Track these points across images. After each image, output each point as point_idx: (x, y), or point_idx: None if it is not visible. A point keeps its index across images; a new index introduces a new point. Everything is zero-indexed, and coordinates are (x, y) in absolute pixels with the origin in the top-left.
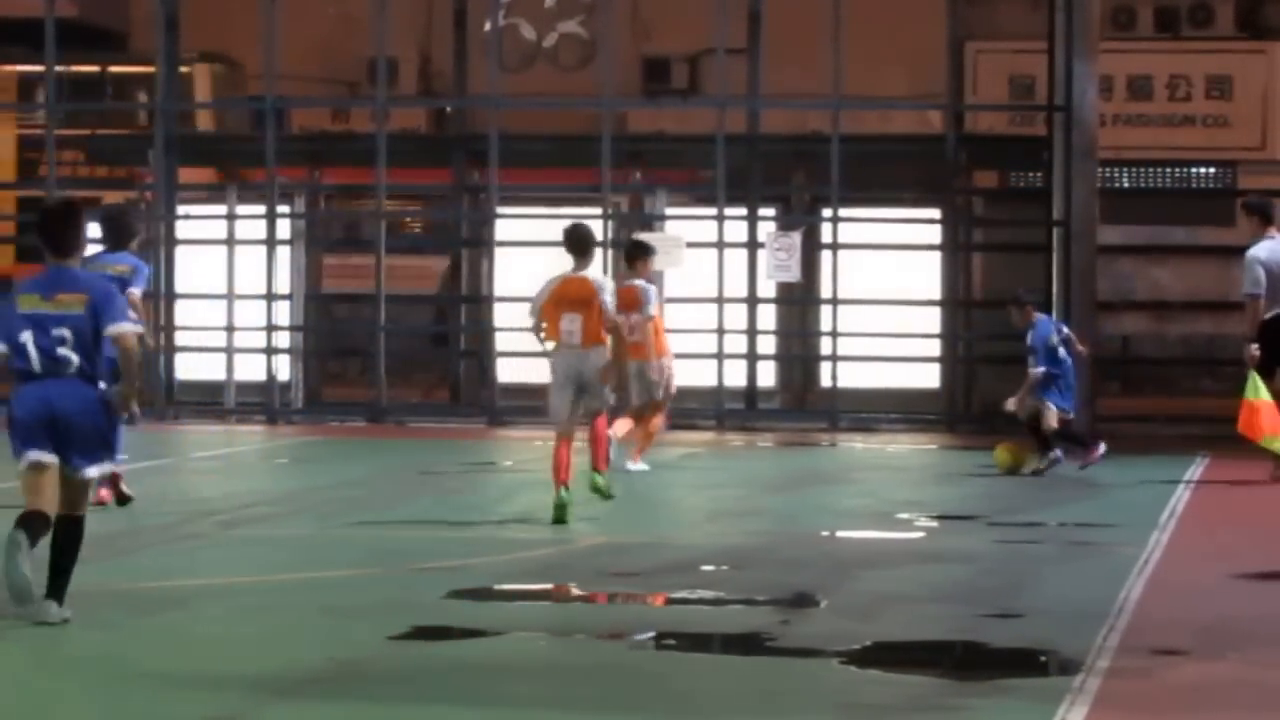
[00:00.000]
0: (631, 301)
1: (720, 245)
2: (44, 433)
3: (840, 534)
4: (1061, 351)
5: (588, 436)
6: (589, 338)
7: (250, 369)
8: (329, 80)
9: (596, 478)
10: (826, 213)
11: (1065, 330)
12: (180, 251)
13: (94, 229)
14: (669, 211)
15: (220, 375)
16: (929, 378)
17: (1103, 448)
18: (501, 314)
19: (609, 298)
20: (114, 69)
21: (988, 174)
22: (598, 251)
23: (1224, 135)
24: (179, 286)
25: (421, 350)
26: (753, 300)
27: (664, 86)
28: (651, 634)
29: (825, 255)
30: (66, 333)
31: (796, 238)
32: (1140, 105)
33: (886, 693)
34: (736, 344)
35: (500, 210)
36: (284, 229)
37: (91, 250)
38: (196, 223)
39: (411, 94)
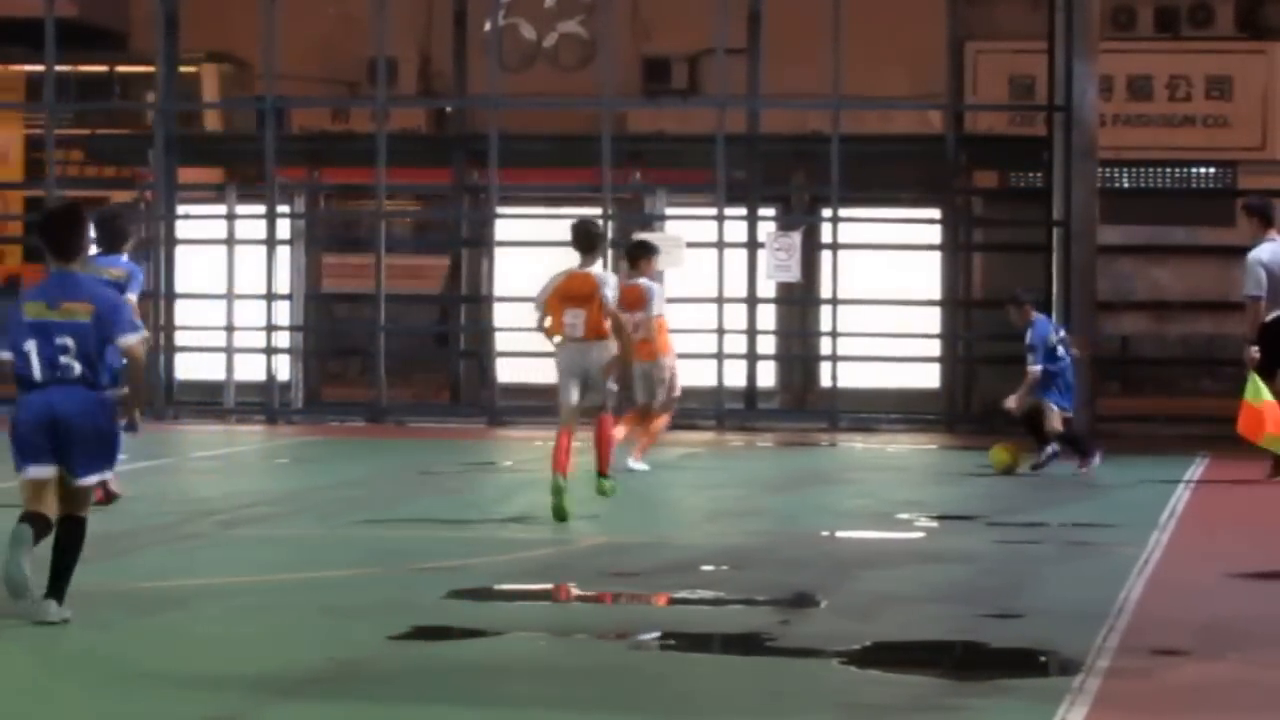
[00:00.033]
0: (635, 300)
1: (720, 245)
2: (45, 441)
3: (840, 534)
4: (1060, 350)
5: (592, 437)
6: (591, 331)
7: (250, 369)
8: (329, 80)
9: (602, 481)
10: (826, 213)
11: (1062, 332)
12: (180, 251)
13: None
14: (669, 211)
15: (220, 375)
16: (929, 378)
17: (1098, 460)
18: (501, 314)
19: (610, 292)
20: (121, 69)
21: (988, 174)
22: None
23: (1224, 135)
24: (179, 286)
25: (422, 350)
26: (753, 300)
27: (664, 86)
28: (651, 634)
29: (825, 255)
30: (70, 341)
31: (796, 238)
32: (1140, 105)
33: (886, 693)
34: (736, 344)
35: (500, 210)
36: (284, 229)
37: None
38: (196, 222)
39: (411, 94)
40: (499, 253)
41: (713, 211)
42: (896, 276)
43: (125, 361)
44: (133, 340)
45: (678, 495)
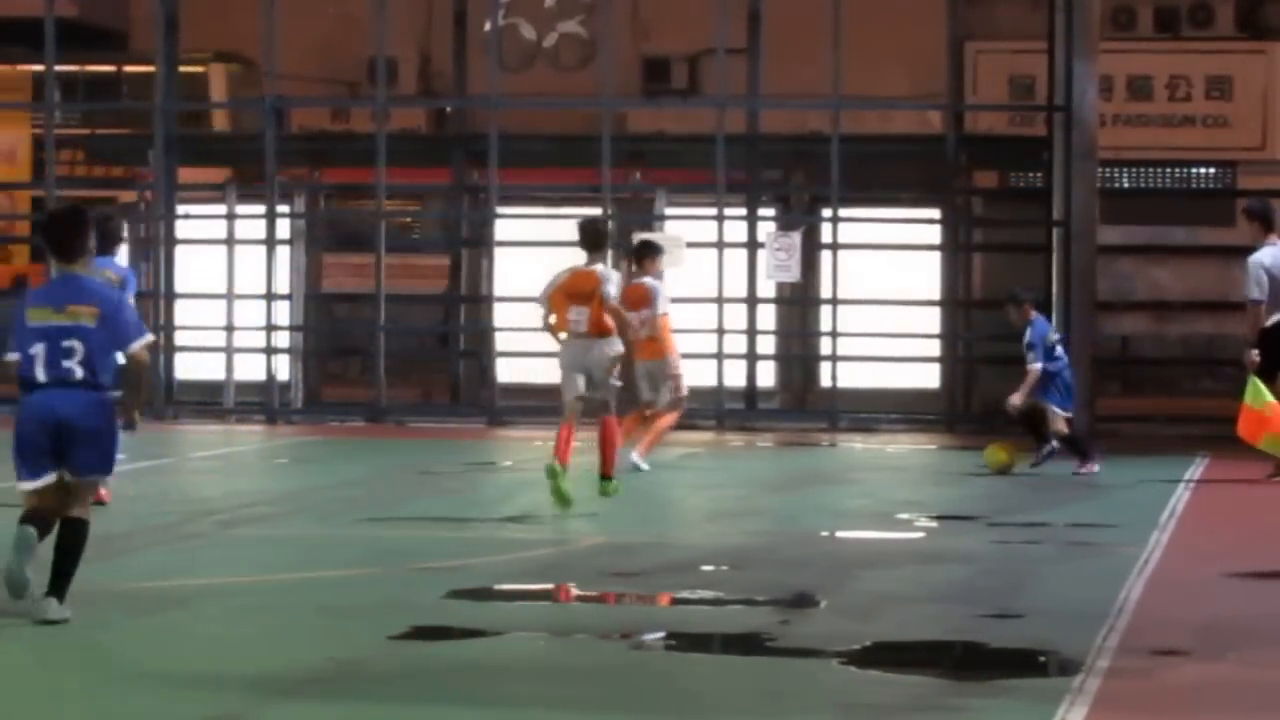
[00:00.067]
0: (640, 299)
1: (720, 245)
2: (46, 444)
3: (840, 534)
4: (1059, 350)
5: (595, 437)
6: (594, 328)
7: (250, 369)
8: (329, 80)
9: (605, 483)
10: (826, 213)
11: (1058, 335)
12: (180, 251)
13: None
14: (669, 211)
15: (220, 375)
16: (929, 378)
17: (1098, 466)
18: (501, 314)
19: (611, 288)
20: (129, 69)
21: (988, 174)
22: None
23: (1224, 135)
24: (179, 286)
25: (423, 350)
26: (752, 300)
27: (664, 86)
28: (652, 634)
29: (825, 255)
30: (75, 344)
31: (796, 238)
32: (1140, 105)
33: (886, 693)
34: (736, 344)
35: (500, 210)
36: (284, 229)
37: None
38: (196, 222)
39: (411, 94)
40: (499, 253)
41: (713, 211)
42: (896, 276)
43: (123, 361)
44: (140, 346)
45: (678, 495)
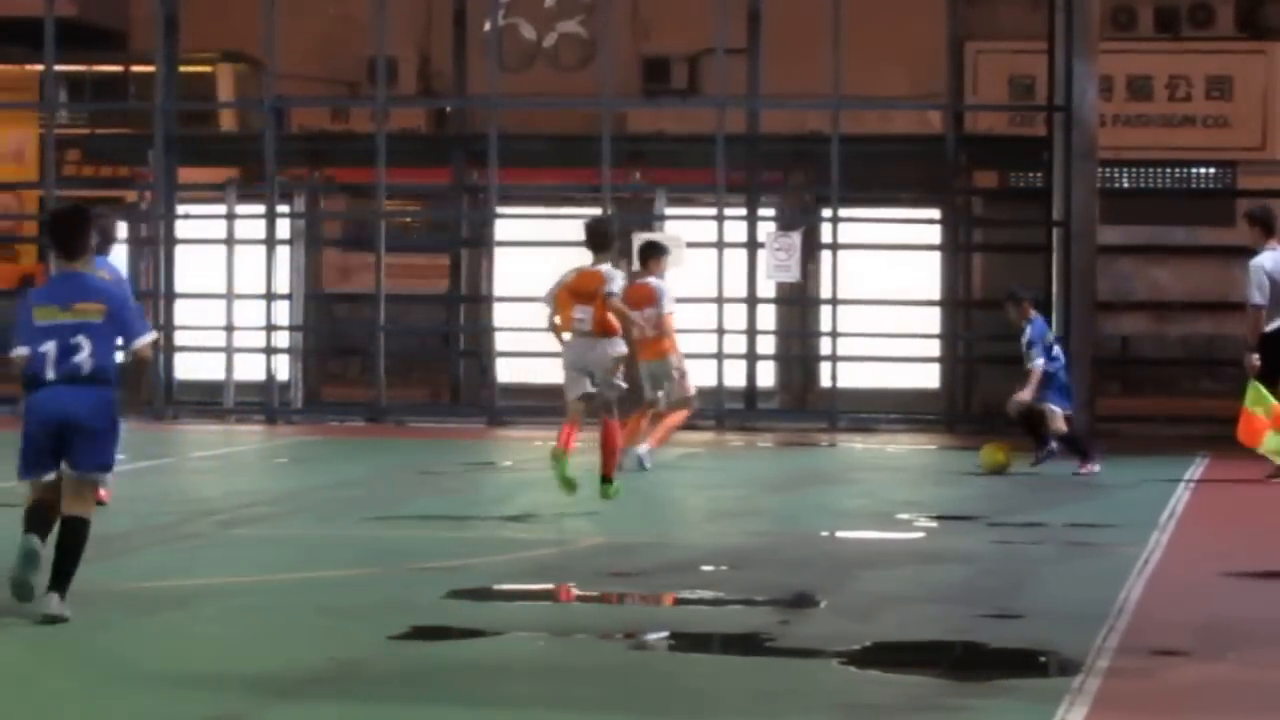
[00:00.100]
0: (644, 299)
1: (720, 245)
2: (51, 445)
3: (840, 534)
4: (1057, 349)
5: (598, 439)
6: (598, 327)
7: (250, 369)
8: (329, 80)
9: (606, 486)
10: (826, 213)
11: (1055, 335)
12: (180, 251)
13: None
14: (669, 211)
15: (219, 375)
16: (929, 378)
17: (1098, 466)
18: (501, 314)
19: (614, 288)
20: (136, 69)
21: (988, 174)
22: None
23: (1224, 135)
24: (179, 286)
25: (424, 349)
26: (752, 300)
27: (664, 86)
28: (651, 634)
29: (825, 255)
30: (84, 341)
31: (796, 238)
32: (1140, 105)
33: (886, 693)
34: (736, 344)
35: (500, 210)
36: (284, 229)
37: None
38: (196, 222)
39: (411, 94)
40: (499, 253)
41: (713, 211)
42: (896, 276)
43: (122, 358)
44: (145, 342)
45: (678, 495)
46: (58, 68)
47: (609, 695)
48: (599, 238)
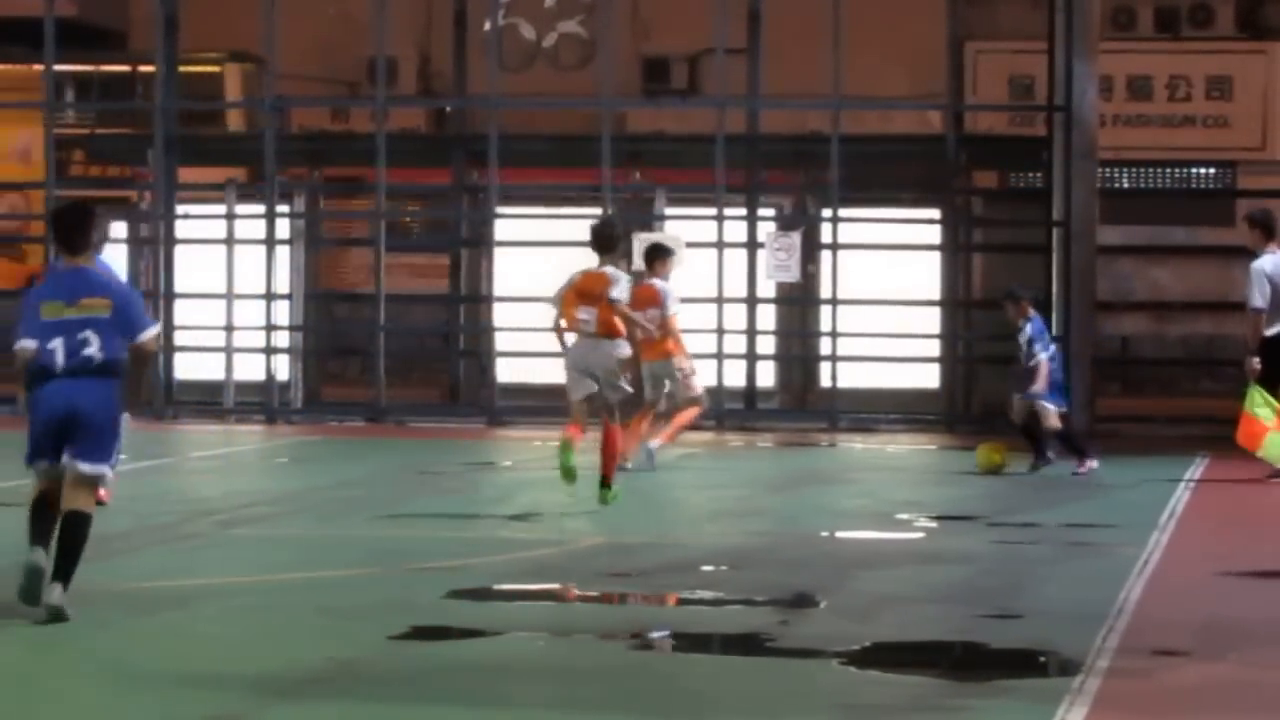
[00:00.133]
0: (649, 300)
1: (720, 245)
2: (54, 439)
3: (840, 534)
4: (1053, 347)
5: (599, 441)
6: (602, 328)
7: (249, 369)
8: (329, 80)
9: (605, 491)
10: (826, 213)
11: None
12: (180, 251)
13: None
14: (669, 211)
15: (219, 375)
16: (928, 378)
17: (1095, 464)
18: (501, 314)
19: (619, 290)
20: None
21: (988, 174)
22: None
23: (1224, 135)
24: (179, 286)
25: (424, 349)
26: (752, 300)
27: (664, 86)
28: (651, 634)
29: (825, 255)
30: (91, 334)
31: (796, 238)
32: (1140, 105)
33: (886, 693)
34: (736, 344)
35: (500, 210)
36: (284, 228)
37: None
38: (196, 222)
39: (411, 94)
40: (498, 253)
41: (712, 211)
42: (896, 276)
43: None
44: (150, 336)
45: (678, 495)
46: (64, 68)
47: (609, 695)
48: (605, 240)
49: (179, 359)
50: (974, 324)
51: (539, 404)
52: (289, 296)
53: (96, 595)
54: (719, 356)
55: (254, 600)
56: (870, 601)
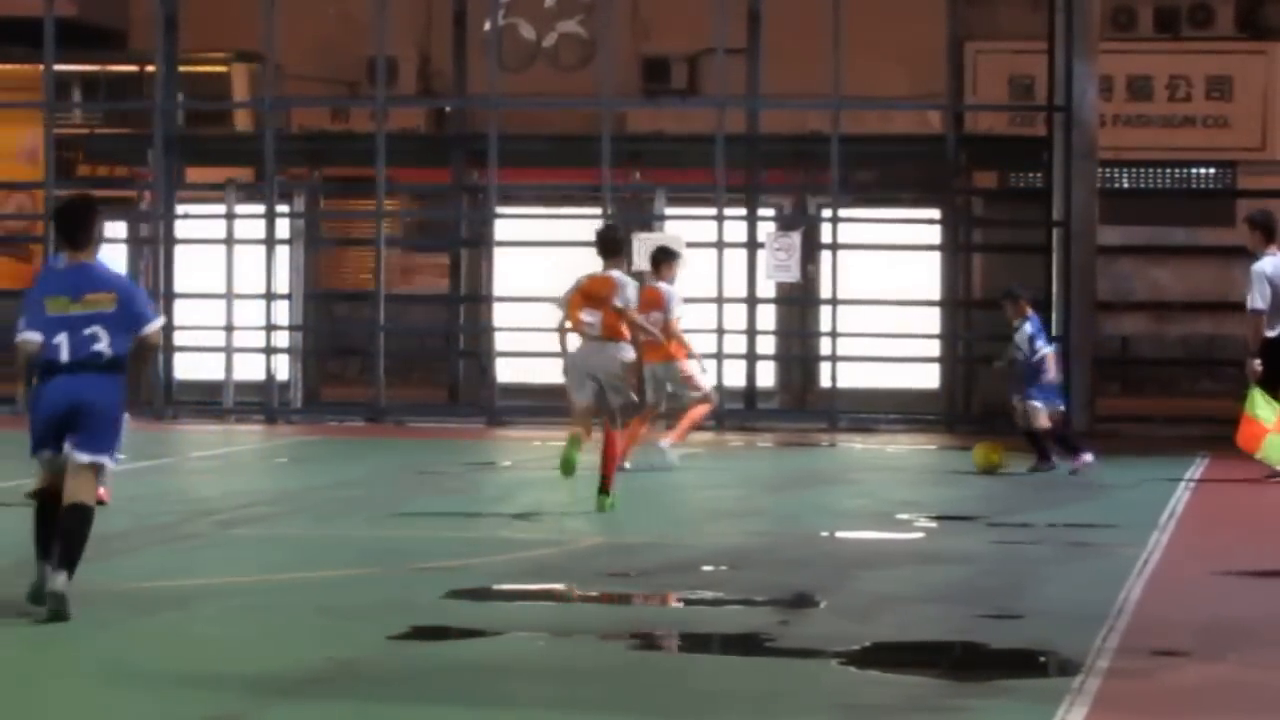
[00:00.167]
0: (653, 303)
1: (720, 245)
2: (57, 429)
3: (840, 534)
4: (1054, 346)
5: (599, 445)
6: (607, 331)
7: (249, 369)
8: (329, 80)
9: (603, 498)
10: (826, 213)
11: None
12: (180, 251)
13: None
14: (669, 211)
15: (219, 375)
16: (928, 378)
17: (1090, 458)
18: (501, 314)
19: (623, 300)
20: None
21: (987, 174)
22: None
23: (1224, 135)
24: (178, 286)
25: (424, 349)
26: (752, 300)
27: (664, 86)
28: (651, 634)
29: (825, 255)
30: (98, 329)
31: (796, 238)
32: (1140, 105)
33: (886, 693)
34: (736, 344)
35: (500, 210)
36: (283, 228)
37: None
38: (196, 222)
39: (411, 94)
40: (498, 252)
41: (712, 211)
42: (896, 277)
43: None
44: (156, 328)
45: (678, 495)
46: (69, 68)
47: (609, 695)
48: (610, 244)
49: (179, 359)
50: (974, 324)
51: (539, 404)
52: (289, 296)
53: (96, 595)
54: (719, 356)
55: (254, 600)
56: (870, 601)
